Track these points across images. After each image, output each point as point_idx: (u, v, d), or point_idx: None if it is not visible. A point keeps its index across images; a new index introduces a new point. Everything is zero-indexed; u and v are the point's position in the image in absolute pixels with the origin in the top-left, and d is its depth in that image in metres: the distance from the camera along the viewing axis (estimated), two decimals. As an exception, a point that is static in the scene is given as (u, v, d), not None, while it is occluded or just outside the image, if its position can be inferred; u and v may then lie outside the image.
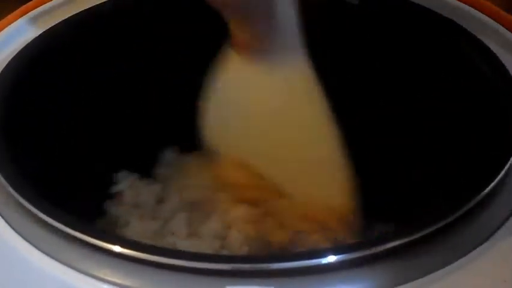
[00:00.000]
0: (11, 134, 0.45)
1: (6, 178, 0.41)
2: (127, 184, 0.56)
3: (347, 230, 0.50)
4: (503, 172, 0.41)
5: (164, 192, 0.57)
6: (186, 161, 0.58)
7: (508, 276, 0.37)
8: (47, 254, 0.38)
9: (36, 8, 0.56)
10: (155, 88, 0.58)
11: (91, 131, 0.55)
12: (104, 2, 0.56)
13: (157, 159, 0.59)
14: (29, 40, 0.52)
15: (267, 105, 0.50)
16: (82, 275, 0.37)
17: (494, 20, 0.53)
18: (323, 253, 0.37)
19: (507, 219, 0.40)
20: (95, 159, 0.54)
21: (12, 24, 0.54)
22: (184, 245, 0.52)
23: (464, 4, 0.54)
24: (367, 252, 0.37)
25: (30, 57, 0.50)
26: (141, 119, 0.58)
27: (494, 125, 0.45)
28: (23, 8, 0.55)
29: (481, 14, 0.53)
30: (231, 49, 0.50)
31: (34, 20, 0.55)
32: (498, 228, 0.39)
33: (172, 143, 0.59)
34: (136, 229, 0.53)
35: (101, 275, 0.36)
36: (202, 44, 0.58)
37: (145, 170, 0.57)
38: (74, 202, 0.49)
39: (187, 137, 0.58)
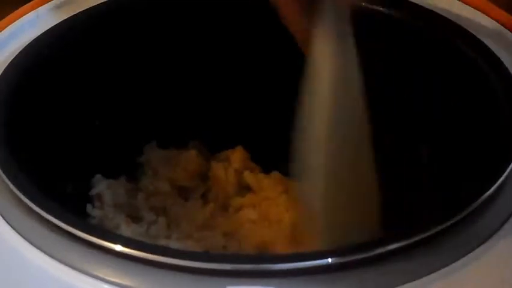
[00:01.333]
0: (12, 134, 0.45)
1: (7, 176, 0.41)
2: (105, 186, 0.55)
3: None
4: (504, 175, 0.41)
5: (145, 193, 0.57)
6: (165, 158, 0.58)
7: (507, 276, 0.37)
8: (47, 253, 0.38)
9: (36, 8, 0.56)
10: (148, 86, 0.59)
11: (82, 131, 0.55)
12: (103, 2, 0.56)
13: (136, 157, 0.59)
14: (29, 40, 0.52)
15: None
16: (82, 274, 0.37)
17: (495, 20, 0.53)
18: (323, 254, 0.37)
19: (506, 220, 0.40)
20: (78, 161, 0.54)
21: (12, 24, 0.54)
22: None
23: (464, 4, 0.54)
24: (368, 253, 0.37)
25: (31, 58, 0.50)
26: (124, 117, 0.58)
27: (494, 127, 0.45)
28: (23, 8, 0.55)
29: (482, 14, 0.53)
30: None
31: (34, 20, 0.55)
32: (497, 229, 0.39)
33: (150, 139, 0.59)
34: (122, 233, 0.52)
35: (102, 275, 0.36)
36: (193, 42, 0.58)
37: (125, 170, 0.57)
38: (72, 202, 0.50)
39: (165, 132, 0.59)
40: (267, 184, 0.56)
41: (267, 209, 0.54)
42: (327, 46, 0.46)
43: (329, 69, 0.46)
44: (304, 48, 0.47)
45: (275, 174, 0.57)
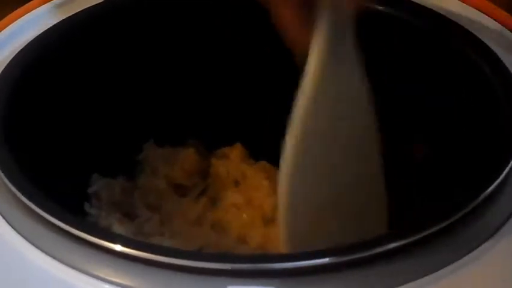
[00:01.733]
0: (12, 133, 0.45)
1: (7, 176, 0.41)
2: (103, 184, 0.55)
3: None
4: (504, 174, 0.41)
5: (142, 191, 0.57)
6: (164, 156, 0.58)
7: (508, 276, 0.37)
8: (48, 254, 0.38)
9: (36, 8, 0.56)
10: (146, 85, 0.59)
11: (81, 130, 0.55)
12: (103, 2, 0.56)
13: (134, 156, 0.59)
14: (29, 40, 0.52)
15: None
16: (82, 274, 0.37)
17: (495, 20, 0.53)
18: (324, 254, 0.37)
19: (506, 220, 0.40)
20: (78, 160, 0.54)
21: (12, 24, 0.54)
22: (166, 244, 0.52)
23: (464, 4, 0.54)
24: (367, 253, 0.37)
25: (31, 57, 0.50)
26: (123, 115, 0.58)
27: (494, 126, 0.45)
28: (23, 8, 0.55)
29: (482, 14, 0.53)
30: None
31: (34, 20, 0.55)
32: (497, 229, 0.39)
33: (148, 138, 0.59)
34: (116, 231, 0.53)
35: (102, 275, 0.36)
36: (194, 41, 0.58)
37: (124, 168, 0.57)
38: (71, 201, 0.50)
39: (162, 130, 0.59)
40: (253, 172, 0.57)
41: (251, 194, 0.55)
42: (324, 66, 0.42)
43: (326, 90, 0.42)
44: (301, 63, 0.42)
45: (261, 163, 0.58)
